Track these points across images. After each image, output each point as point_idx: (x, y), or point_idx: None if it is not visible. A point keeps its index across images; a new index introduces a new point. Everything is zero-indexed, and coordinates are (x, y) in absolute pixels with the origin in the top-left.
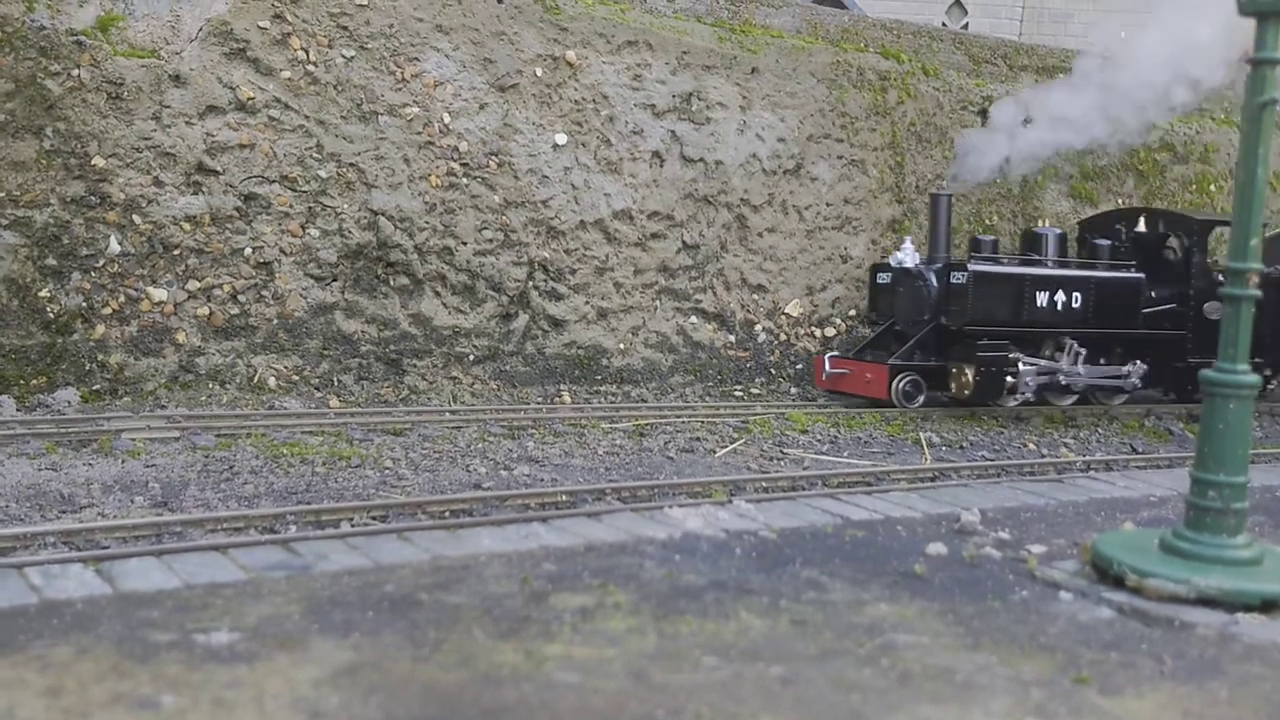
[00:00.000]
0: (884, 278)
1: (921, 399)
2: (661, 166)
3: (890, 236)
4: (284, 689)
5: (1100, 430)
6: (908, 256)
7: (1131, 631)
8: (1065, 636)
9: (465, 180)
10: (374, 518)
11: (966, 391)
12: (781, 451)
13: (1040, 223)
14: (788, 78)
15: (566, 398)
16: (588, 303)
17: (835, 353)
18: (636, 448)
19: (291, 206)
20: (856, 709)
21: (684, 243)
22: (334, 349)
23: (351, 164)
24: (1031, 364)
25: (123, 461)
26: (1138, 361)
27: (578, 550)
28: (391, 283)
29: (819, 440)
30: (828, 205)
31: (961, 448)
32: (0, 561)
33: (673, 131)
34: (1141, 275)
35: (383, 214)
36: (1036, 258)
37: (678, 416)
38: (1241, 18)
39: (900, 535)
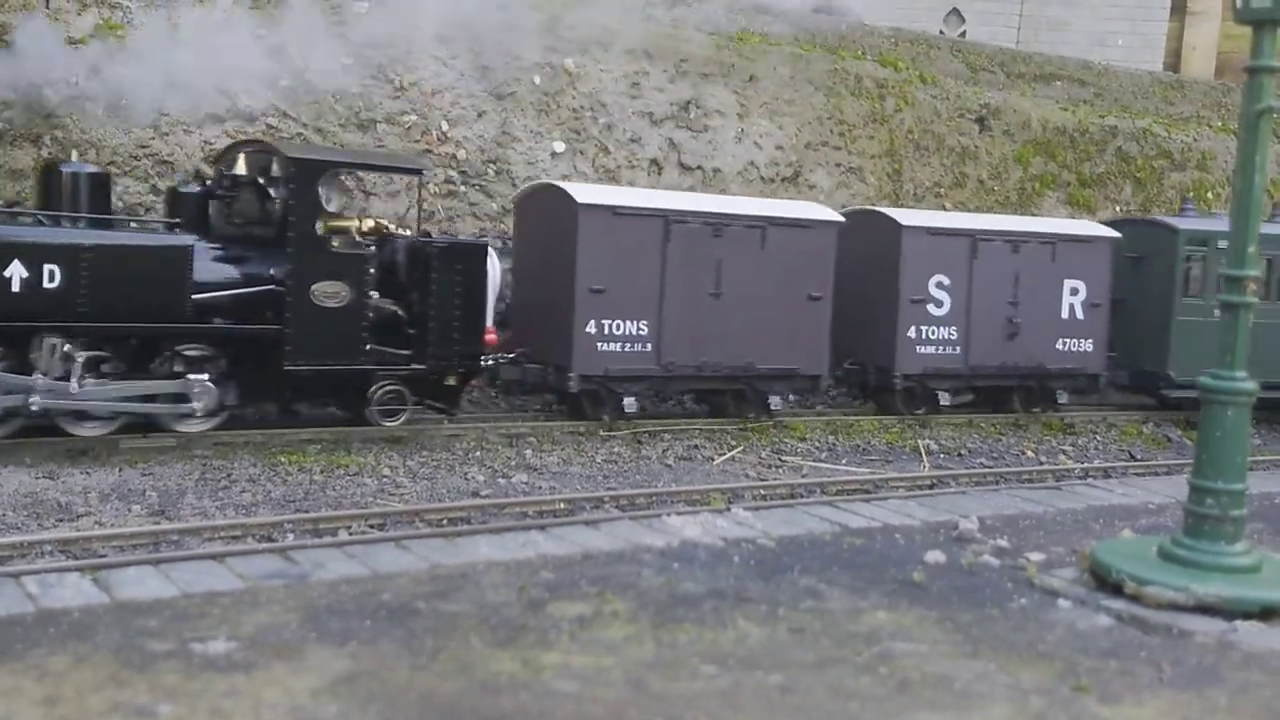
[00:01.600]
0: None
1: None
2: (659, 174)
3: None
4: (282, 698)
5: (1099, 437)
6: None
7: (1130, 639)
8: (1064, 644)
9: (464, 188)
10: (372, 526)
11: None
12: (780, 459)
13: (71, 155)
14: (785, 85)
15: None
16: None
17: None
18: (634, 455)
19: None
20: (855, 717)
21: None
22: None
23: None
24: None
25: (120, 470)
26: (202, 369)
27: (576, 558)
28: None
29: (817, 448)
30: None
31: (960, 455)
32: None
33: (670, 139)
34: (190, 240)
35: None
36: (27, 211)
37: (675, 424)
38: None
39: (899, 543)
